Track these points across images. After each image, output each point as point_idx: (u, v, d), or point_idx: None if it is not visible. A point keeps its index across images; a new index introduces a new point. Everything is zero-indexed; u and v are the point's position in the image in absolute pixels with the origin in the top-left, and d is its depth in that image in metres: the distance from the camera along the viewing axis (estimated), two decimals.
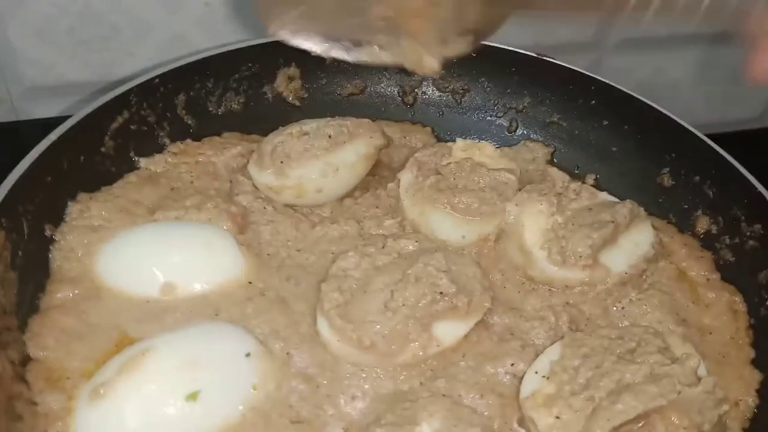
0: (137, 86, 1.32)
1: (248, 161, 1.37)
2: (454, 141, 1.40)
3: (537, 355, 1.13)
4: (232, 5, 1.59)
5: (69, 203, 1.24)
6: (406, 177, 1.35)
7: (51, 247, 1.19)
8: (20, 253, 1.12)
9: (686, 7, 0.83)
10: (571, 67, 1.51)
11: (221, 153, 1.40)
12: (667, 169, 1.44)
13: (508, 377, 1.12)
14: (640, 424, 1.00)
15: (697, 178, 1.40)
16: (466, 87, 1.57)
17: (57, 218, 1.22)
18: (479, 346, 1.15)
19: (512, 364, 1.13)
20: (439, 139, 1.56)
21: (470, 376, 1.11)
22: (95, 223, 1.23)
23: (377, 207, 1.36)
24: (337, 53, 1.03)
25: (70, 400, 1.02)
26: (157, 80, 1.35)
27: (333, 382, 1.09)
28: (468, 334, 1.14)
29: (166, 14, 1.58)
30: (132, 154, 1.36)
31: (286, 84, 1.52)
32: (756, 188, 1.28)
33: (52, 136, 1.20)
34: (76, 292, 1.14)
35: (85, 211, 1.24)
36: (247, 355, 1.07)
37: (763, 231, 1.28)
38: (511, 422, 1.07)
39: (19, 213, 1.13)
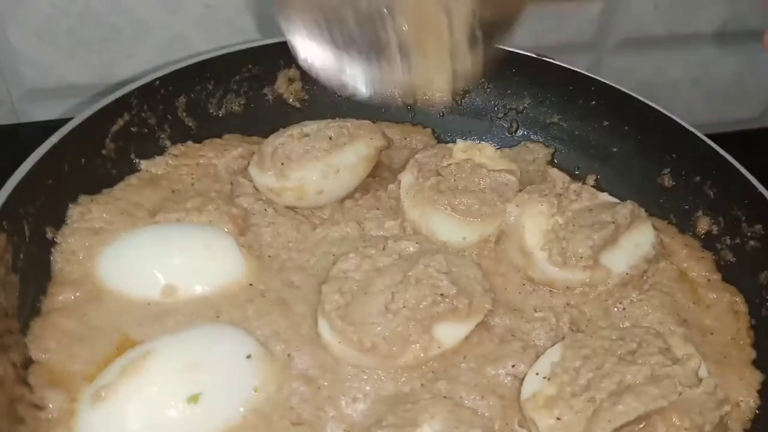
0: (138, 88, 1.33)
1: (249, 163, 1.37)
2: (454, 142, 1.40)
3: (538, 357, 1.13)
4: (232, 7, 1.60)
5: (70, 206, 1.24)
6: (406, 178, 1.35)
7: (52, 250, 1.19)
8: (22, 255, 1.12)
9: None
10: (571, 67, 1.51)
11: (222, 155, 1.40)
12: (668, 169, 1.44)
13: (509, 378, 1.12)
14: (641, 425, 1.00)
15: (698, 178, 1.40)
16: (467, 88, 1.57)
17: (58, 221, 1.22)
18: (480, 348, 1.15)
19: (513, 366, 1.13)
20: (439, 141, 1.56)
21: (471, 378, 1.11)
22: (96, 226, 1.23)
23: (378, 208, 1.36)
24: (353, 85, 1.03)
25: (72, 403, 1.02)
26: (157, 82, 1.35)
27: (334, 383, 1.09)
28: (469, 336, 1.14)
29: (165, 15, 1.58)
30: (133, 156, 1.36)
31: (287, 85, 1.52)
32: (756, 188, 1.28)
33: (53, 139, 1.20)
34: (77, 294, 1.15)
35: (86, 214, 1.24)
36: (248, 357, 1.07)
37: (763, 231, 1.28)
38: (512, 423, 1.07)
39: (20, 216, 1.13)
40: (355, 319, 1.09)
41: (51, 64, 1.59)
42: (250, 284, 1.19)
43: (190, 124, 1.44)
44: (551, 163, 1.54)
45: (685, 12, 1.85)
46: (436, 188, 1.30)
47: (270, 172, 1.31)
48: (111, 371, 1.03)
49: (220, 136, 1.46)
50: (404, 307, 1.09)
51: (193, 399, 1.00)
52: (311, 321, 1.15)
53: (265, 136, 1.39)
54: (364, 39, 0.99)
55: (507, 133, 1.59)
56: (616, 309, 1.24)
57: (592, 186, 1.43)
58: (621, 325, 1.22)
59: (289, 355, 1.11)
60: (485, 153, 1.38)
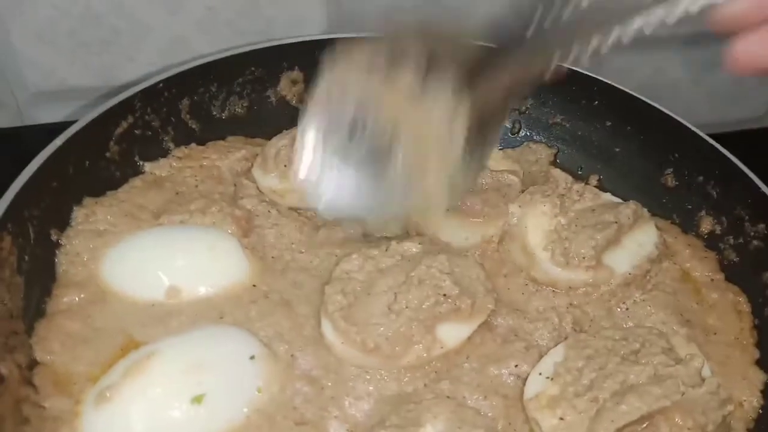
0: (141, 91, 1.33)
1: (252, 165, 1.38)
2: None
3: (541, 357, 1.13)
4: (233, 8, 1.60)
5: (74, 208, 1.25)
6: None
7: (57, 252, 1.20)
8: (26, 257, 1.12)
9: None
10: (572, 67, 1.50)
11: (225, 157, 1.41)
12: (671, 169, 1.44)
13: (512, 379, 1.12)
14: (644, 425, 1.00)
15: (701, 178, 1.39)
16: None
17: (63, 223, 1.22)
18: (483, 348, 1.15)
19: (516, 366, 1.13)
20: None
21: (474, 378, 1.11)
22: (101, 228, 1.24)
23: None
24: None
25: (77, 404, 1.02)
26: (161, 85, 1.36)
27: (337, 384, 1.09)
28: (471, 336, 1.14)
29: (167, 17, 1.58)
30: (137, 158, 1.37)
31: (290, 87, 1.52)
32: (759, 188, 1.28)
33: (58, 142, 1.20)
34: (81, 296, 1.15)
35: (90, 216, 1.24)
36: (252, 357, 1.07)
37: (767, 231, 1.27)
38: (515, 423, 1.07)
39: (25, 218, 1.13)
40: (358, 320, 1.09)
41: (53, 67, 1.59)
42: (254, 285, 1.20)
43: (194, 126, 1.44)
44: (554, 163, 1.54)
45: None
46: None
47: (273, 174, 1.32)
48: (115, 372, 1.03)
49: (223, 138, 1.46)
50: (407, 307, 1.09)
51: (197, 400, 1.00)
52: (314, 322, 1.15)
53: (269, 138, 1.39)
54: (368, 159, 1.00)
55: (509, 134, 1.59)
56: (619, 309, 1.24)
57: (594, 186, 1.43)
58: (624, 325, 1.21)
59: (292, 356, 1.11)
60: None
